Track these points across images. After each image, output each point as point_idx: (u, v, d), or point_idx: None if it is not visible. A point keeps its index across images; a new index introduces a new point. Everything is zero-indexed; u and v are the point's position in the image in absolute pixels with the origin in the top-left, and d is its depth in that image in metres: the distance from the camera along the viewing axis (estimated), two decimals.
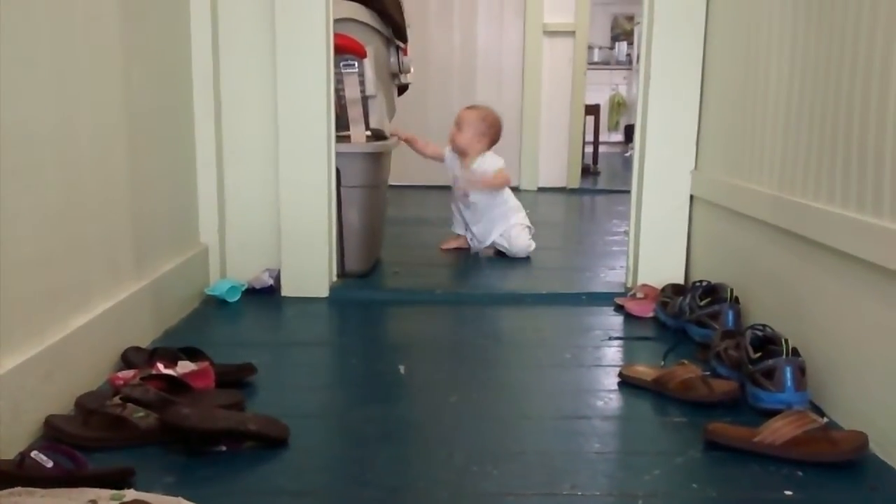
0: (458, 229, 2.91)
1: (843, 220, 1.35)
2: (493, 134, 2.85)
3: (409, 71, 2.80)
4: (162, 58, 1.93)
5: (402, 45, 2.71)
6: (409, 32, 2.75)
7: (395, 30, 2.61)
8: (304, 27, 2.12)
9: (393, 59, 2.66)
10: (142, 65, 1.76)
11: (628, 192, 2.35)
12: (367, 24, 2.44)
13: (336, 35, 2.21)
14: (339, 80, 2.30)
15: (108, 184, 1.59)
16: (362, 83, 2.36)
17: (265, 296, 2.20)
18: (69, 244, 1.42)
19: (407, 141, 2.90)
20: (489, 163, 2.81)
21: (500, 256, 2.81)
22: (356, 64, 2.33)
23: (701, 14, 2.13)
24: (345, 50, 2.29)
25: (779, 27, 1.68)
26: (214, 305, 2.12)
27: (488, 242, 2.83)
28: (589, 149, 5.97)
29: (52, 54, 1.36)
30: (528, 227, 2.84)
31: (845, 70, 1.37)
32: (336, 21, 2.21)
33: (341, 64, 2.29)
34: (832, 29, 1.43)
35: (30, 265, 1.28)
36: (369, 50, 2.37)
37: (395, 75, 2.72)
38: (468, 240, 2.86)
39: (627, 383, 1.58)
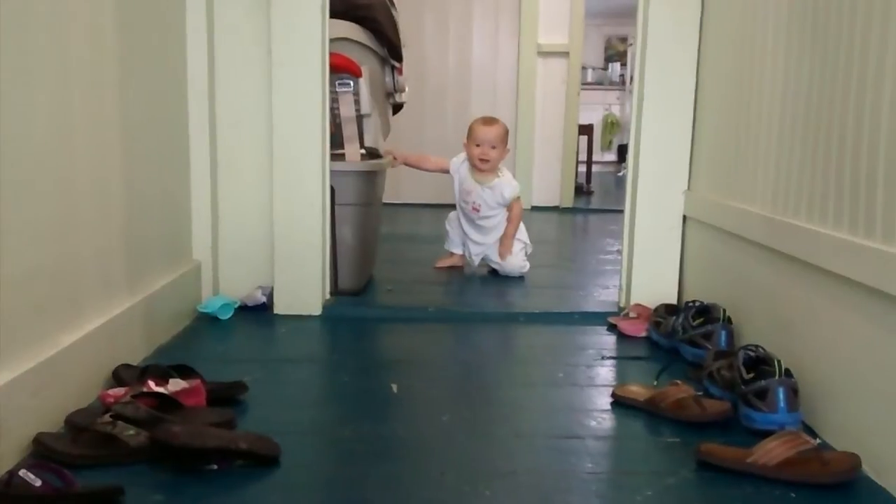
0: (454, 248, 2.91)
1: (836, 241, 1.36)
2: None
3: (403, 90, 2.81)
4: (157, 73, 1.93)
5: (397, 64, 2.72)
6: (405, 52, 2.77)
7: (390, 49, 2.63)
8: (300, 46, 2.13)
9: (388, 79, 2.67)
10: (137, 80, 1.76)
11: (621, 211, 2.36)
12: (362, 44, 2.45)
13: (332, 54, 2.22)
14: (334, 99, 2.31)
15: (101, 199, 1.59)
16: (357, 102, 2.37)
17: (258, 313, 2.20)
18: (61, 259, 1.42)
19: (404, 163, 2.90)
20: (506, 185, 2.79)
21: (494, 274, 2.81)
22: (351, 83, 2.34)
23: (694, 35, 2.15)
24: (340, 69, 2.31)
25: (772, 48, 1.69)
26: (206, 322, 2.11)
27: (480, 258, 2.84)
28: (582, 168, 5.99)
29: (48, 69, 1.36)
30: (525, 245, 2.85)
31: (838, 91, 1.39)
32: (332, 40, 2.22)
33: (336, 83, 2.30)
34: (825, 50, 1.44)
35: (21, 280, 1.27)
36: (364, 69, 2.39)
37: (389, 94, 2.74)
38: (466, 255, 2.86)
39: (620, 403, 1.57)
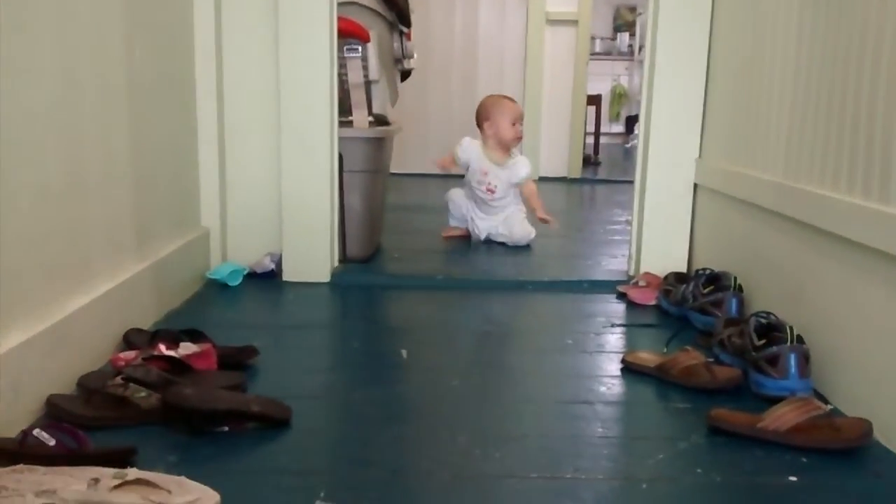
0: (457, 224, 2.89)
1: (849, 206, 1.35)
2: None
3: (412, 56, 2.79)
4: (164, 38, 1.91)
5: (405, 30, 2.69)
6: (412, 18, 2.74)
7: (398, 14, 2.60)
8: (308, 9, 2.10)
9: (396, 45, 2.65)
10: (143, 45, 1.74)
11: (629, 182, 2.35)
12: (370, 9, 2.42)
13: (340, 19, 2.20)
14: (342, 65, 2.29)
15: (109, 163, 1.58)
16: (365, 68, 2.34)
17: (266, 280, 2.20)
18: (71, 222, 1.41)
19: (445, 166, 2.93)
20: (522, 165, 2.82)
21: (502, 245, 2.80)
22: (359, 48, 2.32)
23: (706, 1, 2.11)
24: (348, 34, 2.28)
25: (785, 13, 1.67)
26: (216, 289, 2.11)
27: (487, 234, 2.83)
28: (590, 139, 5.95)
29: (54, 30, 1.35)
30: (525, 213, 2.85)
31: (853, 55, 1.36)
32: (340, 4, 2.20)
33: (345, 48, 2.28)
34: (840, 14, 1.42)
35: (31, 243, 1.27)
36: (373, 34, 2.36)
37: (398, 60, 2.71)
38: (471, 232, 2.85)
39: (630, 369, 1.57)
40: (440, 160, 2.97)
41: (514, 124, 2.77)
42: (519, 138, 2.80)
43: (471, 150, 2.83)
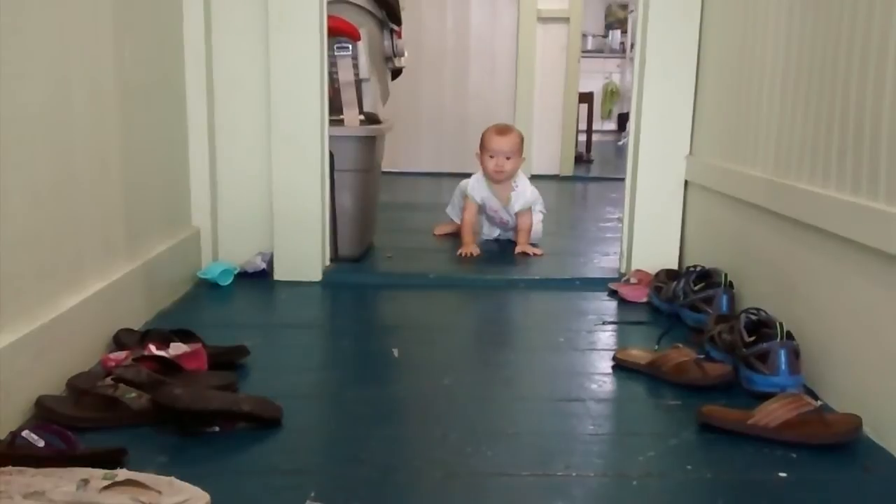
0: (456, 217, 2.87)
1: (839, 203, 1.35)
2: None
3: (402, 55, 2.78)
4: (154, 40, 1.91)
5: (395, 28, 2.69)
6: (403, 15, 2.74)
7: (388, 12, 2.60)
8: (298, 8, 2.10)
9: (387, 43, 2.64)
10: (134, 44, 1.74)
11: (621, 180, 2.34)
12: (360, 7, 2.42)
13: (330, 17, 2.19)
14: (332, 63, 2.28)
15: (100, 164, 1.58)
16: (356, 66, 2.34)
17: (257, 279, 2.19)
18: (61, 222, 1.41)
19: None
20: (519, 197, 2.69)
21: (496, 241, 2.81)
22: (350, 47, 2.31)
23: None
24: (338, 32, 2.28)
25: (775, 10, 1.67)
26: (206, 288, 2.10)
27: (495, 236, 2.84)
28: (582, 137, 5.95)
29: (44, 30, 1.34)
30: (542, 212, 2.83)
31: (842, 52, 1.37)
32: (330, 3, 2.19)
33: (335, 47, 2.28)
34: (829, 11, 1.42)
35: (21, 243, 1.27)
36: (363, 32, 2.36)
37: (388, 59, 2.70)
38: (479, 230, 2.83)
39: (621, 367, 1.58)
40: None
41: (492, 157, 2.64)
42: (498, 171, 2.64)
43: (478, 188, 2.73)
